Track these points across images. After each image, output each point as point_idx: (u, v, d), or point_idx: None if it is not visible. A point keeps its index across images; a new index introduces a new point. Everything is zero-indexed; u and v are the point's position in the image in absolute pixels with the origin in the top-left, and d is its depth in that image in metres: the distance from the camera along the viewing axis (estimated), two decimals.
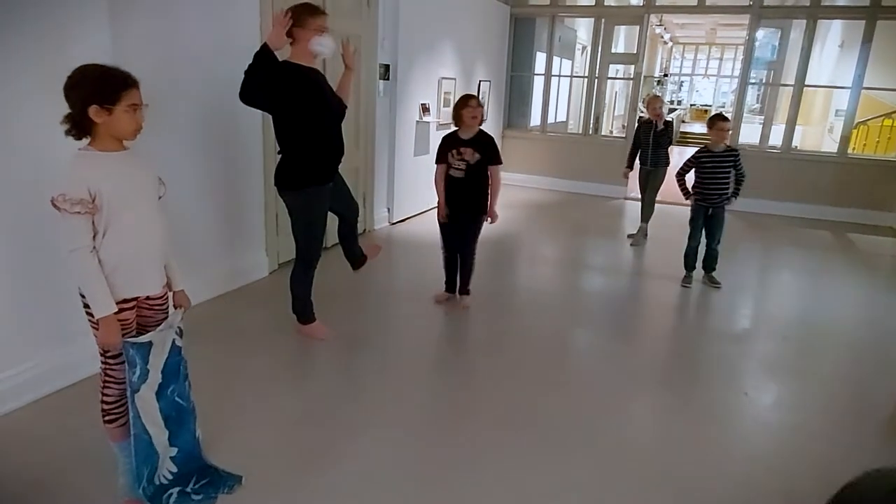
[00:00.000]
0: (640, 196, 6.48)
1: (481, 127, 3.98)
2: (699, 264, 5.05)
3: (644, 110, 7.04)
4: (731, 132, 4.80)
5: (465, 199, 3.99)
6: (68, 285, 2.11)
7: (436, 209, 4.15)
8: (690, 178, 4.95)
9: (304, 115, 3.19)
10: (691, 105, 28.56)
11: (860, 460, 2.64)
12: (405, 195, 6.59)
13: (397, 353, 3.60)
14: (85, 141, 1.94)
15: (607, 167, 8.37)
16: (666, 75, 27.11)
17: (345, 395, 3.09)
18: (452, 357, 3.74)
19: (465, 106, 3.87)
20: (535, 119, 9.67)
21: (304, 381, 3.28)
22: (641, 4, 8.46)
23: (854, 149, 9.52)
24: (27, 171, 2.62)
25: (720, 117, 4.83)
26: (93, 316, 1.98)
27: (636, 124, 6.50)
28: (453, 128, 4.02)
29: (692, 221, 4.97)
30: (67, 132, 1.90)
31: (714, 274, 5.03)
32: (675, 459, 2.67)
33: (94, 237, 1.93)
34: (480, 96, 8.20)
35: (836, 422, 3.07)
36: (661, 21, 20.19)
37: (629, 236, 6.46)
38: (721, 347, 3.98)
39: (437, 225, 4.18)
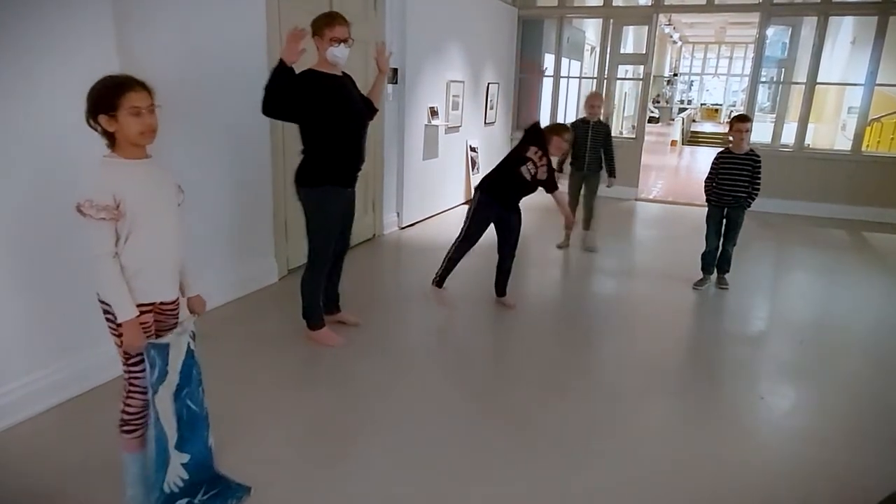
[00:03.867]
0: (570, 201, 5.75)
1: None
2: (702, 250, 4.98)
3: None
4: (749, 133, 4.69)
5: (517, 199, 4.19)
6: (80, 293, 2.10)
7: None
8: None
9: (325, 119, 3.26)
10: (701, 104, 28.46)
11: (880, 469, 2.60)
12: (414, 199, 6.56)
13: (407, 359, 3.57)
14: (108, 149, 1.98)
15: (618, 168, 8.28)
16: (675, 75, 27.01)
17: (354, 403, 3.06)
18: (463, 362, 3.70)
19: (561, 137, 4.10)
20: (545, 121, 9.62)
21: (314, 387, 3.24)
22: (650, 4, 8.40)
23: (868, 146, 9.41)
24: (41, 179, 2.62)
25: (738, 118, 4.73)
26: (114, 322, 2.00)
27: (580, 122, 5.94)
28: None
29: (707, 221, 4.90)
30: (108, 145, 1.97)
31: (726, 276, 4.96)
32: (688, 468, 2.63)
33: (116, 243, 1.96)
34: (489, 99, 8.20)
35: (855, 428, 2.99)
36: (669, 20, 20.12)
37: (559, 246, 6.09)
38: (736, 351, 3.92)
39: (475, 217, 4.10)
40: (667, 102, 26.50)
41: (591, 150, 5.73)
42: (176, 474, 2.21)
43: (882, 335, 4.22)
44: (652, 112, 24.24)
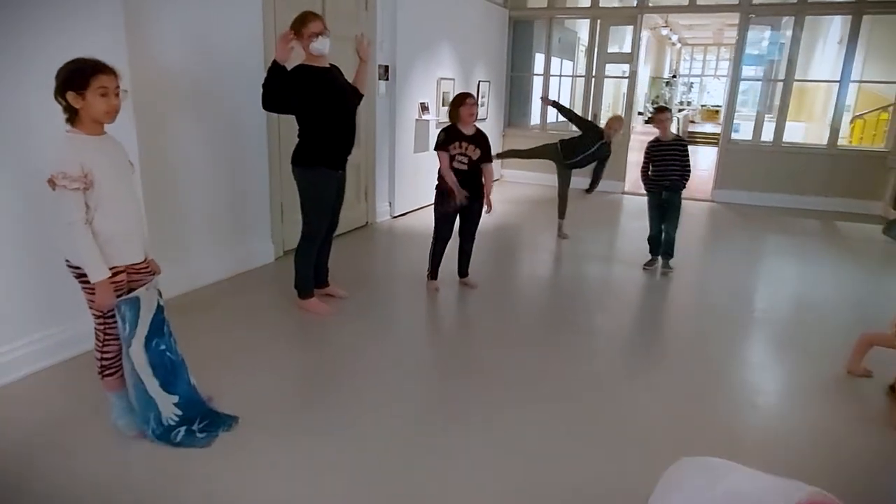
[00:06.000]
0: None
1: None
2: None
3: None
4: (669, 122, 5.02)
5: (469, 188, 4.28)
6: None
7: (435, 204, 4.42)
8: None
9: (317, 107, 3.62)
10: (702, 106, 28.65)
11: (838, 434, 2.84)
12: (406, 190, 6.91)
13: (387, 327, 3.93)
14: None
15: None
16: (674, 76, 27.25)
17: (337, 360, 3.42)
18: (436, 330, 4.07)
19: (463, 104, 4.16)
20: (536, 118, 9.97)
21: (302, 348, 3.61)
22: (635, 5, 8.74)
23: (851, 142, 9.72)
24: (43, 154, 2.86)
25: (658, 109, 5.15)
26: (88, 283, 2.26)
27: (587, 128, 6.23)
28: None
29: (648, 209, 5.25)
30: (67, 120, 2.22)
31: (671, 262, 5.23)
32: (663, 430, 2.95)
33: (86, 212, 2.21)
34: (480, 96, 8.53)
35: (819, 396, 3.21)
36: (666, 22, 20.39)
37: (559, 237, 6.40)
38: (707, 327, 4.25)
39: (436, 215, 4.42)
40: (665, 104, 26.74)
41: (587, 156, 6.00)
42: (171, 412, 2.57)
43: (842, 310, 4.51)
44: (651, 113, 24.48)
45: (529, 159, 6.59)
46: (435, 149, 4.29)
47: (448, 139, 4.21)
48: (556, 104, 6.29)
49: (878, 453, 2.68)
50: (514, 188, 9.13)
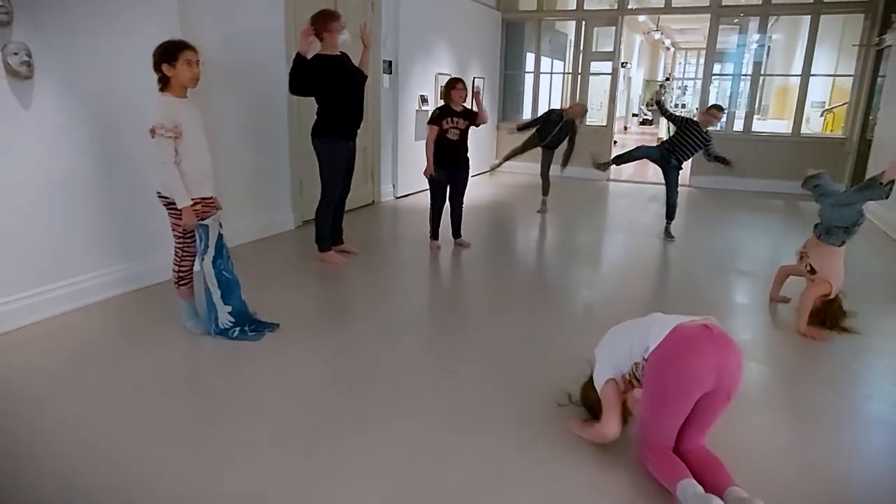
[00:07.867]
0: (541, 173, 7.17)
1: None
2: (663, 213, 6.04)
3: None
4: (718, 120, 5.84)
5: (459, 156, 5.17)
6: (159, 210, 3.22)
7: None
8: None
9: (332, 88, 4.40)
10: (696, 108, 29.35)
11: (757, 337, 3.63)
12: (408, 174, 7.66)
13: (390, 273, 4.70)
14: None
15: (590, 152, 9.32)
16: (668, 79, 28.02)
17: (349, 295, 4.22)
18: (445, 275, 4.84)
19: (454, 88, 5.02)
20: (528, 113, 10.74)
21: (320, 285, 4.38)
22: (616, 8, 9.54)
23: (825, 132, 10.48)
24: (123, 114, 3.69)
25: (715, 106, 5.91)
26: (175, 209, 3.02)
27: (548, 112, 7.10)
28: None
29: (644, 149, 6.07)
30: (160, 88, 2.96)
31: (671, 228, 6.00)
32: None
33: (175, 156, 2.94)
34: (475, 91, 9.30)
35: (744, 316, 4.05)
36: (658, 26, 21.18)
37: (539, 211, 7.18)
38: (672, 272, 5.00)
39: (430, 182, 5.22)
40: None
41: (555, 134, 6.82)
42: (226, 318, 3.33)
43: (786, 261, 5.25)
44: (646, 115, 25.29)
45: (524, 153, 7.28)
46: (428, 123, 5.11)
47: (441, 115, 5.06)
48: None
49: (783, 344, 3.54)
50: (506, 176, 9.89)
